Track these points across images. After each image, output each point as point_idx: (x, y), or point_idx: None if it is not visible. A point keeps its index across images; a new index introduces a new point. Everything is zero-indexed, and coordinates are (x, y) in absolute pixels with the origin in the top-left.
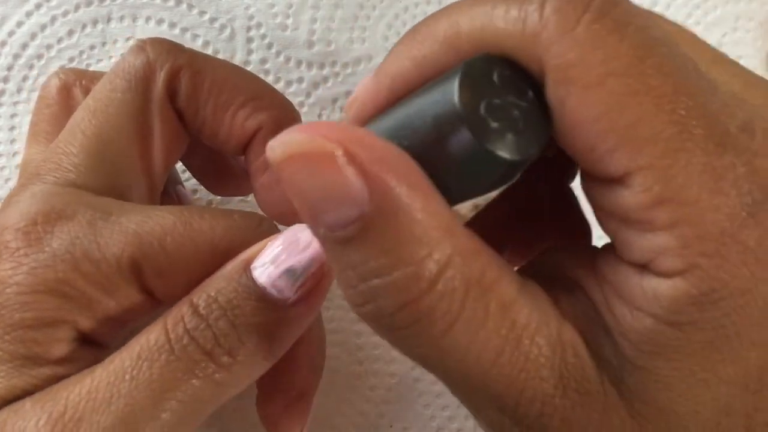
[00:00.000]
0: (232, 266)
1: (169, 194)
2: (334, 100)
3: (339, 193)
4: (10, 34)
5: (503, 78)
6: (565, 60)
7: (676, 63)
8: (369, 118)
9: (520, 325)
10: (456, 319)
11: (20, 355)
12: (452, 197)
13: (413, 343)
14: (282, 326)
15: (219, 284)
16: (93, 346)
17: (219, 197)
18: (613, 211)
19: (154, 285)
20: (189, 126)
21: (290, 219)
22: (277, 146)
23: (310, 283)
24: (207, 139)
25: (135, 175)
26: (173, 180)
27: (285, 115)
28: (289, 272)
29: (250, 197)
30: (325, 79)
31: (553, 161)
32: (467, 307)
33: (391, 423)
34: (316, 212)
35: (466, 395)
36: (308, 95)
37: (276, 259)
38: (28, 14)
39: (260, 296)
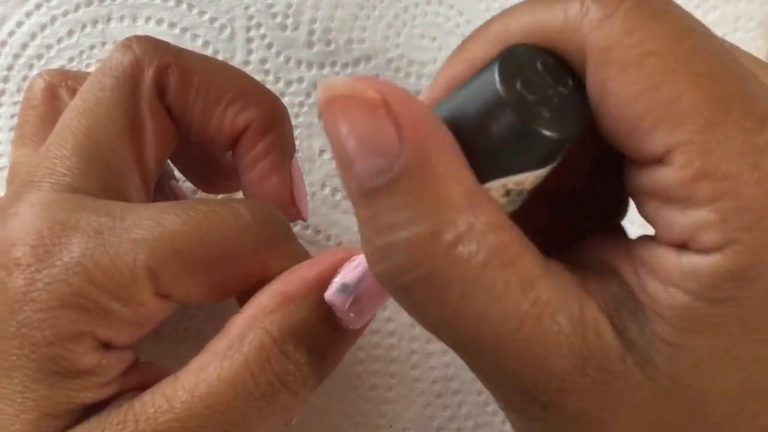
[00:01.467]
0: (306, 290)
1: (162, 189)
2: None
3: (373, 142)
4: (10, 34)
5: (545, 66)
6: (604, 43)
7: (713, 47)
8: None
9: (541, 302)
10: (474, 286)
11: (51, 371)
12: (488, 175)
13: (428, 307)
14: (342, 348)
15: (299, 314)
16: (118, 350)
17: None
18: (653, 192)
19: (170, 289)
20: (178, 122)
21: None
22: (324, 87)
23: (366, 302)
24: (196, 136)
25: (129, 173)
26: (167, 174)
27: (274, 111)
28: (347, 288)
29: None
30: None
31: (602, 198)
32: (486, 277)
33: (391, 423)
34: (349, 161)
35: (482, 369)
36: (308, 95)
37: (347, 288)
38: (28, 14)
39: (334, 325)
